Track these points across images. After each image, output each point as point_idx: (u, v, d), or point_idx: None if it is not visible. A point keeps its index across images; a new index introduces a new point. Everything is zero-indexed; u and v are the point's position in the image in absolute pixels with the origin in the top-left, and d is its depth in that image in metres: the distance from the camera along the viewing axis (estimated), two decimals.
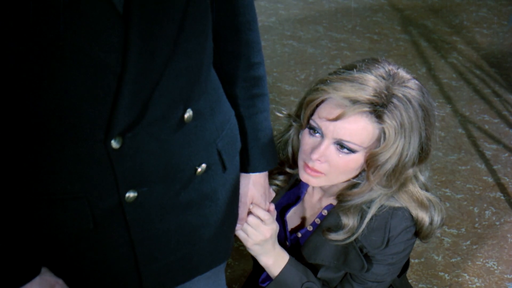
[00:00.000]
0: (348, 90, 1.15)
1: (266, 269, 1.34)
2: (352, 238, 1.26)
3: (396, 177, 1.21)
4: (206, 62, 1.05)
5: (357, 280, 1.32)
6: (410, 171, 1.24)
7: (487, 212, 2.53)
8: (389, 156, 1.17)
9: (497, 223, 2.48)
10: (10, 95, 0.89)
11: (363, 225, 1.25)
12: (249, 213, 1.28)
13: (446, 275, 2.21)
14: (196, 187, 1.08)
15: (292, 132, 1.32)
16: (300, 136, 1.28)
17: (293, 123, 1.31)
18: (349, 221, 1.25)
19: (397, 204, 1.26)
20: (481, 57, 3.93)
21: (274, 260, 1.31)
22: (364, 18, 4.58)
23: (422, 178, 1.28)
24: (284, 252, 1.33)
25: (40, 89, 0.88)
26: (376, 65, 1.20)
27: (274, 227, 1.29)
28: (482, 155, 2.90)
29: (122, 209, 1.00)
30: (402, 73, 1.22)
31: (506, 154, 2.91)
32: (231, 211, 1.20)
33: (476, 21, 4.54)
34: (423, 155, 1.23)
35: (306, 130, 1.24)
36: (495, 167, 2.82)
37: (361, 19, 4.57)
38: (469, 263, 2.27)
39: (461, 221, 2.48)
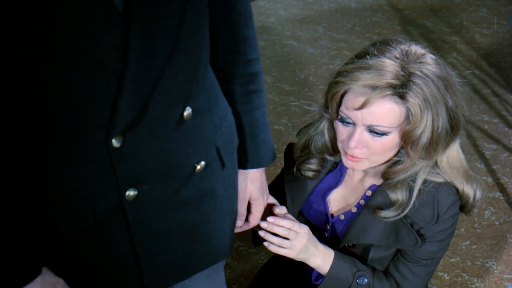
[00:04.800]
0: (365, 78, 1.18)
1: (317, 269, 1.37)
2: (404, 213, 1.28)
3: (434, 148, 1.25)
4: (204, 59, 1.06)
5: (410, 260, 1.34)
6: (455, 145, 1.29)
7: (486, 212, 2.53)
8: (421, 131, 1.21)
9: (497, 223, 2.48)
10: (11, 95, 0.89)
11: (413, 199, 1.28)
12: (263, 218, 1.30)
13: (446, 275, 2.21)
14: (195, 185, 1.08)
15: (325, 122, 1.35)
16: (334, 126, 1.31)
17: (324, 114, 1.33)
18: (398, 196, 1.28)
19: (441, 180, 1.29)
20: (480, 57, 3.93)
21: (322, 259, 1.34)
22: (364, 18, 4.58)
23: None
24: (328, 249, 1.36)
25: (41, 89, 0.88)
26: (388, 47, 1.23)
27: (306, 230, 1.31)
28: (481, 155, 2.90)
29: (122, 208, 1.01)
30: (415, 49, 1.24)
31: (506, 154, 2.91)
32: (230, 208, 1.20)
33: (476, 21, 4.54)
34: (454, 122, 1.25)
35: (338, 121, 1.27)
36: (494, 167, 2.81)
37: (360, 19, 4.57)
38: (469, 263, 2.27)
39: (461, 221, 2.48)
